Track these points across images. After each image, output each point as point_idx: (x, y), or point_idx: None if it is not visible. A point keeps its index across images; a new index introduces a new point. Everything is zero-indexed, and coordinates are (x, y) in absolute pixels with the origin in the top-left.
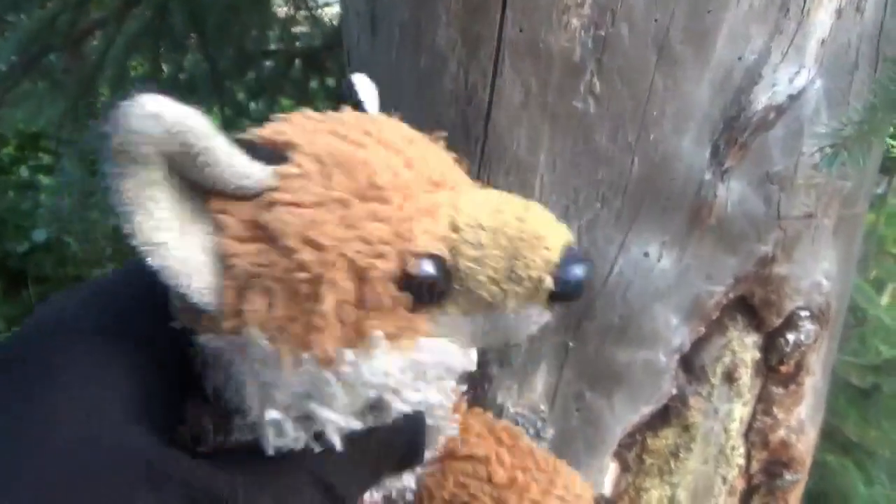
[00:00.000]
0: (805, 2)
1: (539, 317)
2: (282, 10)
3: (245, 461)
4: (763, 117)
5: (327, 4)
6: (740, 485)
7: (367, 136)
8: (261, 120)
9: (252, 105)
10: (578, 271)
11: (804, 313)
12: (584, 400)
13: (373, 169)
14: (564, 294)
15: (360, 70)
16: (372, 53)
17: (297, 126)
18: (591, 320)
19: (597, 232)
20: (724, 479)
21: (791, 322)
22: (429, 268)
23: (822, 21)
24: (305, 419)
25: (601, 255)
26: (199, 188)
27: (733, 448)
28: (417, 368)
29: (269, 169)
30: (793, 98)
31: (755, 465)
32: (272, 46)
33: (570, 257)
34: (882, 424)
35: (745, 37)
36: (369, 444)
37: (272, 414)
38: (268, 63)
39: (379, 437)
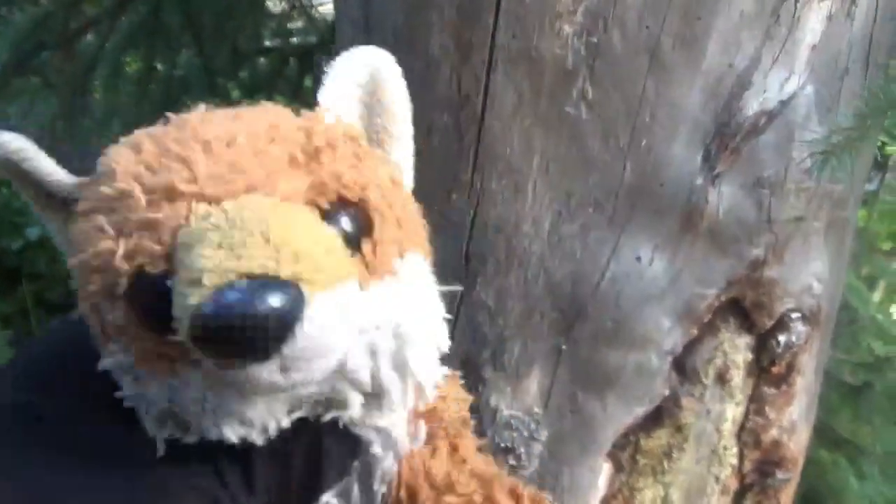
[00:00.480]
0: (796, 8)
1: (226, 374)
2: (276, 8)
3: None
4: (754, 123)
5: (321, 4)
6: (733, 484)
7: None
8: None
9: (246, 103)
10: (208, 319)
11: (795, 315)
12: (578, 401)
13: (114, 177)
14: (206, 349)
15: None
16: None
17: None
18: (584, 323)
19: (589, 235)
20: (717, 479)
21: (782, 324)
22: (149, 290)
23: (812, 27)
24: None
25: (593, 260)
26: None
27: (726, 448)
28: (177, 395)
29: (72, 179)
30: (783, 104)
31: (748, 465)
32: (267, 44)
33: (213, 301)
34: (874, 421)
35: (737, 43)
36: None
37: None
38: (262, 61)
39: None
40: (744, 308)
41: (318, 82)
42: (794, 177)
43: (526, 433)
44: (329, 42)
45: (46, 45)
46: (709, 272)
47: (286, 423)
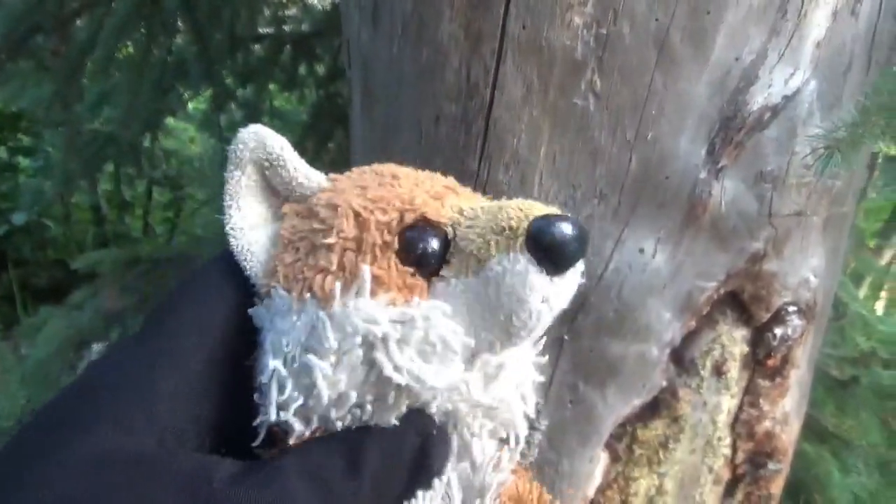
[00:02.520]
0: (803, 4)
1: (527, 280)
2: None
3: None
4: (758, 117)
5: None
6: (725, 474)
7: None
8: (249, 105)
9: (240, 90)
10: (560, 223)
11: (792, 308)
12: (578, 392)
13: (397, 171)
14: (544, 243)
15: (360, 62)
16: (373, 46)
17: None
18: (586, 314)
19: (594, 227)
20: (711, 469)
21: (779, 317)
22: (428, 236)
23: (818, 23)
24: (305, 381)
25: (597, 251)
26: (280, 197)
27: (720, 439)
28: (408, 326)
29: (323, 175)
30: (787, 99)
31: (740, 456)
32: (262, 31)
33: (554, 216)
34: (860, 415)
35: (744, 37)
36: (371, 448)
37: (274, 363)
38: (257, 48)
39: (382, 441)
40: (742, 301)
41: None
42: (795, 172)
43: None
44: (324, 30)
45: (41, 28)
46: (709, 265)
47: (456, 395)
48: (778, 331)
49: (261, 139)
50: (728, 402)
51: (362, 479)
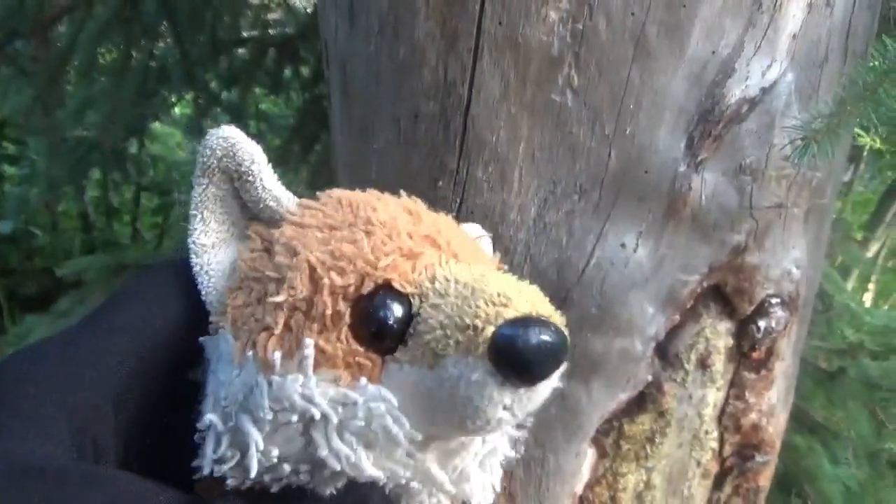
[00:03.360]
0: None
1: (485, 392)
2: None
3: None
4: (736, 110)
5: None
6: (713, 468)
7: (398, 203)
8: (233, 109)
9: (224, 94)
10: (531, 334)
11: (775, 300)
12: (563, 388)
13: (374, 210)
14: (509, 357)
15: (337, 62)
16: (350, 44)
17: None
18: (570, 310)
19: (574, 223)
20: (699, 463)
21: (762, 309)
22: (389, 303)
23: (793, 15)
24: (239, 440)
25: (579, 247)
26: (248, 211)
27: (707, 432)
28: (349, 411)
29: (294, 199)
30: (765, 91)
31: (728, 449)
32: (245, 34)
33: (529, 320)
34: (848, 406)
35: (720, 30)
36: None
37: (212, 416)
38: (240, 51)
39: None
40: (725, 294)
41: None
42: (774, 164)
43: None
44: (308, 33)
45: (20, 33)
46: (691, 258)
47: (400, 478)
48: (762, 323)
49: (230, 147)
50: (714, 396)
51: None
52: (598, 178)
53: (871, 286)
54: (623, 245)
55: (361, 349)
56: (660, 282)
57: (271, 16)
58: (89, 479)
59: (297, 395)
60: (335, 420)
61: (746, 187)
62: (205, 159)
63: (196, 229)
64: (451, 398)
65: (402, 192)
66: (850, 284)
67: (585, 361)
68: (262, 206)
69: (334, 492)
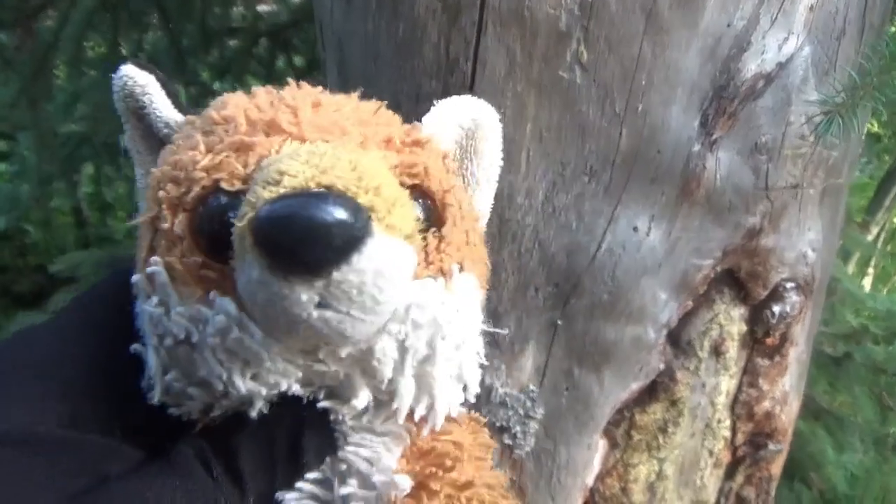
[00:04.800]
0: None
1: (269, 284)
2: None
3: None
4: (752, 86)
5: None
6: (726, 457)
7: (269, 94)
8: None
9: (217, 84)
10: (280, 211)
11: (790, 284)
12: (574, 377)
13: (224, 106)
14: (262, 241)
15: (334, 43)
16: (347, 23)
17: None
18: (580, 297)
19: (584, 206)
20: (711, 452)
21: (777, 294)
22: (215, 206)
23: None
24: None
25: (589, 230)
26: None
27: (719, 421)
28: (203, 329)
29: (182, 118)
30: (781, 66)
31: (740, 438)
32: (235, 24)
33: (288, 197)
34: (853, 391)
35: (735, 2)
36: (243, 452)
37: (134, 346)
38: (232, 42)
39: (252, 443)
40: (739, 279)
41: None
42: (790, 142)
43: (522, 411)
44: (301, 20)
45: (3, 24)
46: (705, 242)
47: (295, 390)
48: (776, 308)
49: (124, 85)
50: (727, 383)
51: (243, 486)
52: (608, 158)
53: (870, 270)
54: (635, 229)
55: (199, 260)
56: (673, 267)
57: (262, 7)
58: (60, 442)
59: (157, 315)
60: (195, 338)
61: (762, 167)
62: (117, 103)
63: (138, 174)
64: (257, 303)
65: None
66: (850, 268)
67: (597, 350)
68: (163, 133)
69: (265, 412)
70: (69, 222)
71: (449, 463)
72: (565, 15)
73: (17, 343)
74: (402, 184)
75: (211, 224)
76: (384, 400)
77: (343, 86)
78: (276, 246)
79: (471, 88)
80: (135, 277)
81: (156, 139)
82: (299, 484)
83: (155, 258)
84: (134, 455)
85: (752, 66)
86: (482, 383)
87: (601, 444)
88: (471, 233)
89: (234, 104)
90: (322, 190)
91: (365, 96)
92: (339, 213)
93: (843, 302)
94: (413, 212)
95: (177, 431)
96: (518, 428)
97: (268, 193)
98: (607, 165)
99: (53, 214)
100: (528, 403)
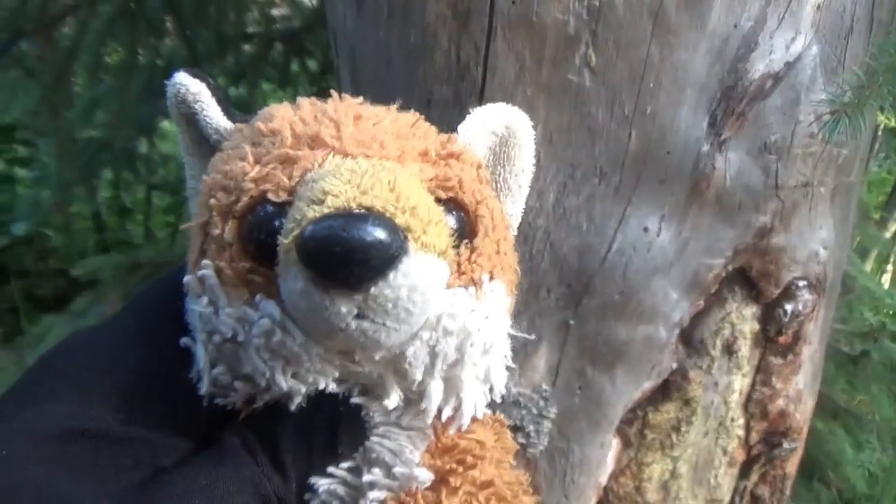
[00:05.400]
0: None
1: (310, 295)
2: None
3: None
4: (760, 85)
5: None
6: (740, 456)
7: (313, 106)
8: (242, 105)
9: (232, 90)
10: (322, 232)
11: (802, 283)
12: (587, 377)
13: (270, 119)
14: (306, 257)
15: (347, 50)
16: (358, 30)
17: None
18: (592, 297)
19: (595, 207)
20: (725, 451)
21: (789, 292)
22: (263, 216)
23: None
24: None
25: (600, 232)
26: None
27: (733, 420)
28: (249, 330)
29: (231, 125)
30: (789, 65)
31: (754, 436)
32: (250, 29)
33: (330, 217)
34: (871, 389)
35: (742, 2)
36: (284, 442)
37: (184, 340)
38: (247, 47)
39: (292, 434)
40: (750, 277)
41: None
42: (800, 141)
43: (535, 411)
44: (314, 25)
45: (24, 33)
46: (716, 241)
47: (332, 387)
48: (788, 306)
49: (178, 93)
50: (740, 382)
51: (285, 474)
52: (618, 160)
53: (889, 267)
54: (646, 229)
55: (248, 265)
56: (684, 266)
57: (276, 11)
58: (122, 439)
59: (207, 315)
60: (241, 338)
61: (772, 166)
62: (171, 109)
63: (189, 176)
64: (299, 311)
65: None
66: (868, 265)
67: (609, 349)
68: (213, 139)
69: (303, 406)
70: (89, 227)
71: (471, 460)
72: (573, 19)
73: (77, 346)
74: (437, 198)
75: (258, 232)
76: (413, 399)
77: (356, 91)
78: (319, 263)
79: (481, 93)
80: (186, 278)
81: (207, 145)
82: (332, 469)
83: (206, 261)
84: (184, 446)
85: (760, 66)
86: None
87: (614, 443)
88: (502, 242)
89: (280, 116)
90: (362, 211)
91: (376, 101)
92: (378, 234)
93: (860, 299)
94: (447, 228)
95: (221, 420)
96: (531, 427)
97: (312, 213)
98: (617, 167)
99: (73, 219)
100: (542, 403)
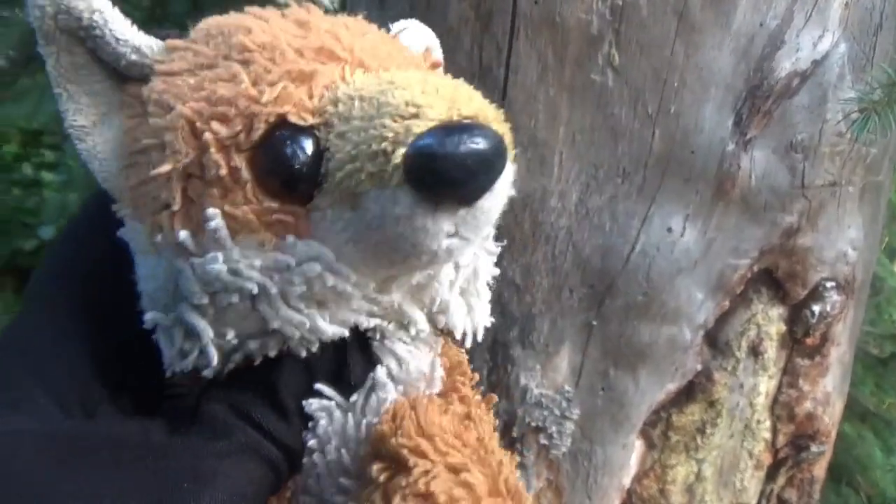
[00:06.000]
0: None
1: (415, 223)
2: None
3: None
4: (786, 84)
5: None
6: (767, 459)
7: (285, 17)
8: None
9: None
10: (446, 144)
11: (830, 284)
12: (609, 378)
13: (249, 31)
14: (424, 175)
15: None
16: None
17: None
18: (615, 298)
19: (618, 207)
20: (751, 454)
21: (816, 293)
22: (289, 143)
23: None
24: (192, 331)
25: (623, 232)
26: (119, 75)
27: (759, 422)
28: (286, 276)
29: (160, 44)
30: (816, 63)
31: (781, 439)
32: None
33: (444, 128)
34: None
35: (767, 1)
36: (283, 383)
37: (153, 314)
38: None
39: (294, 372)
40: (777, 278)
41: None
42: (827, 140)
43: (557, 412)
44: None
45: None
46: (741, 242)
47: (366, 324)
48: (816, 308)
49: (59, 1)
50: (766, 384)
51: (289, 418)
52: (641, 160)
53: None
54: (669, 229)
55: (275, 205)
56: (708, 267)
57: None
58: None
59: (224, 272)
60: (274, 290)
61: (798, 165)
62: (38, 23)
63: (67, 110)
64: (385, 238)
65: (292, 2)
66: None
67: (633, 350)
68: (124, 61)
69: (313, 351)
70: None
71: (471, 376)
72: (596, 19)
73: (18, 340)
74: None
75: (282, 164)
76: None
77: None
78: (441, 178)
79: (503, 94)
80: (182, 234)
81: (101, 69)
82: (319, 386)
83: (212, 210)
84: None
85: (786, 64)
86: (517, 384)
87: (638, 445)
88: None
89: (260, 30)
90: (469, 122)
91: None
92: (495, 143)
93: (889, 301)
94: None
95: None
96: (554, 428)
97: (417, 127)
98: (640, 167)
99: None
100: (564, 404)
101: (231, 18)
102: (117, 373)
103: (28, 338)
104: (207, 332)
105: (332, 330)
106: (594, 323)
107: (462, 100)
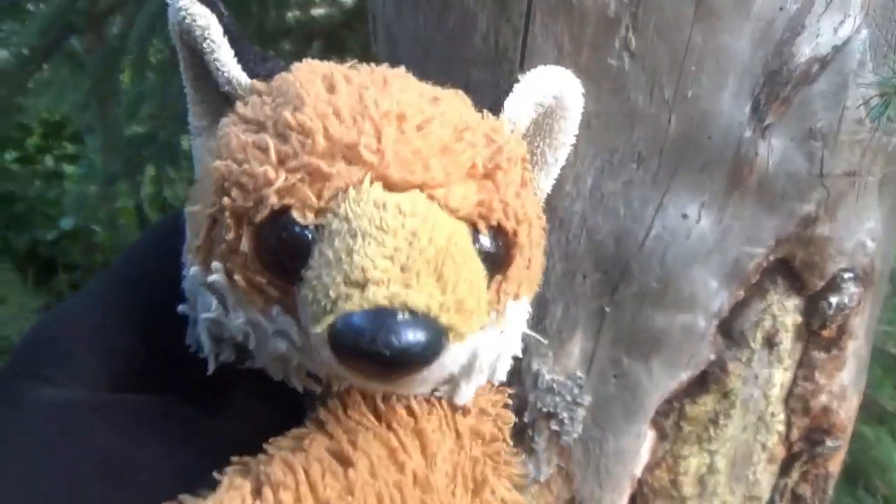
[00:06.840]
0: None
1: (339, 368)
2: None
3: None
4: (806, 70)
5: None
6: (780, 452)
7: (350, 86)
8: None
9: None
10: (359, 337)
11: (848, 275)
12: (622, 366)
13: (299, 106)
14: (340, 352)
15: (386, 35)
16: (398, 16)
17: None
18: (628, 284)
19: (633, 193)
20: (764, 447)
21: (834, 284)
22: (284, 235)
23: None
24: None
25: (638, 218)
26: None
27: (773, 415)
28: (262, 337)
29: (248, 82)
30: (837, 49)
31: (796, 433)
32: (291, 25)
33: (376, 313)
34: None
35: None
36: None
37: (182, 307)
38: (287, 45)
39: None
40: (793, 268)
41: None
42: (847, 128)
43: (569, 398)
44: (354, 22)
45: (74, 28)
46: (757, 230)
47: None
48: (833, 299)
49: (181, 19)
50: (781, 376)
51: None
52: (657, 145)
53: None
54: (685, 216)
55: (265, 279)
56: (724, 255)
57: (316, 11)
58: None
59: (213, 318)
60: (252, 345)
61: (817, 153)
62: (172, 34)
63: (188, 108)
64: (326, 364)
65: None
66: None
67: (646, 338)
68: (224, 89)
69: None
70: (132, 222)
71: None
72: (613, 2)
73: (64, 327)
74: (476, 226)
75: (278, 248)
76: None
77: None
78: (354, 360)
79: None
80: (192, 269)
81: (214, 90)
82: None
83: (216, 265)
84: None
85: (806, 49)
86: (529, 369)
87: (650, 435)
88: (535, 248)
89: (311, 106)
90: (406, 316)
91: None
92: (420, 338)
93: None
94: (484, 290)
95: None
96: (565, 414)
97: (350, 304)
98: (656, 152)
99: (118, 214)
100: (576, 390)
101: (306, 76)
102: (157, 372)
103: (81, 315)
104: (206, 343)
105: (303, 385)
106: (607, 309)
107: (421, 279)
